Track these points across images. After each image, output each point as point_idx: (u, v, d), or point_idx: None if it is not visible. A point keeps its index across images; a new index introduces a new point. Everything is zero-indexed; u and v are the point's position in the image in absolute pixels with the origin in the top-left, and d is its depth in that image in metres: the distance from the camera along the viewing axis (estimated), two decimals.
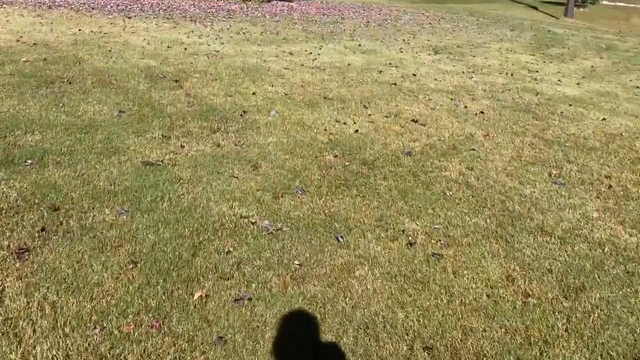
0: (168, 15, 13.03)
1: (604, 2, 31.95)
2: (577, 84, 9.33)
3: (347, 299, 2.92)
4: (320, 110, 6.29)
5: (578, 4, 27.58)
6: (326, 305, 2.85)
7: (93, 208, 3.59)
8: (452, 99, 7.40)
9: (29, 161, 4.19)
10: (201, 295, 2.81)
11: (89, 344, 2.43)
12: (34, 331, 2.47)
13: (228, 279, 2.99)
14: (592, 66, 11.39)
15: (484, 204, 4.22)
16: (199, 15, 13.65)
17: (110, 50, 8.42)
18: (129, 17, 12.17)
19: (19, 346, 2.38)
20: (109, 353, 2.40)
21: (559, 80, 9.43)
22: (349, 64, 9.15)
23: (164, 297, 2.78)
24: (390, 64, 9.56)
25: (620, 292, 3.19)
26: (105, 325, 2.55)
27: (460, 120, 6.38)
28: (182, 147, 4.80)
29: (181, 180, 4.13)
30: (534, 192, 4.53)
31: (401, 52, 10.92)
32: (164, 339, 2.51)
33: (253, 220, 3.63)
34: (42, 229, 3.28)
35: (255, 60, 8.74)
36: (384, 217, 3.87)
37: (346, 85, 7.64)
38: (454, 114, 6.66)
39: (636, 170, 5.20)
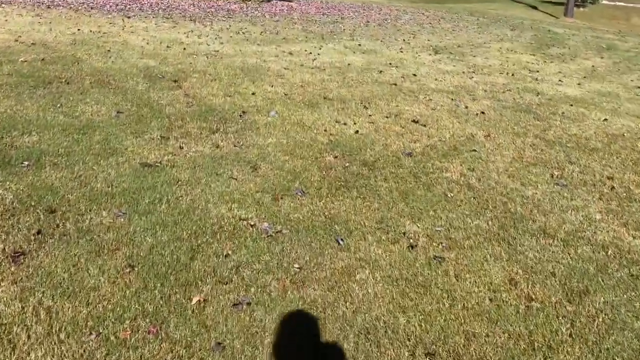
0: (167, 15, 12.98)
1: (604, 2, 31.90)
2: (578, 84, 9.29)
3: (347, 303, 2.87)
4: (320, 110, 6.25)
5: (578, 4, 27.53)
6: (326, 310, 2.81)
7: (90, 210, 3.54)
8: (452, 99, 7.36)
9: (26, 162, 4.14)
10: (199, 300, 2.76)
11: (84, 351, 2.39)
12: (29, 337, 2.43)
13: (227, 283, 2.95)
14: (593, 66, 11.35)
15: (486, 205, 4.17)
16: (199, 14, 13.60)
17: (109, 50, 8.37)
18: (128, 17, 12.12)
19: (12, 353, 2.34)
20: None
21: (559, 81, 9.39)
22: (349, 64, 9.10)
23: (161, 302, 2.74)
24: (390, 64, 9.51)
25: (625, 296, 3.14)
26: (101, 331, 2.50)
27: (461, 121, 6.34)
28: (181, 148, 4.76)
29: (179, 182, 4.08)
30: (536, 193, 4.48)
31: (401, 52, 10.87)
32: (161, 345, 2.46)
33: (252, 223, 3.59)
34: (38, 232, 3.23)
35: (255, 60, 8.69)
36: (385, 219, 3.83)
37: (346, 85, 7.59)
38: (454, 114, 6.61)
39: (638, 172, 5.16)
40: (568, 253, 3.57)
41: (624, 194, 4.62)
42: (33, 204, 3.56)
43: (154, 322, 2.59)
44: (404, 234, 3.64)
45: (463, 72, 9.34)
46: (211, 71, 7.60)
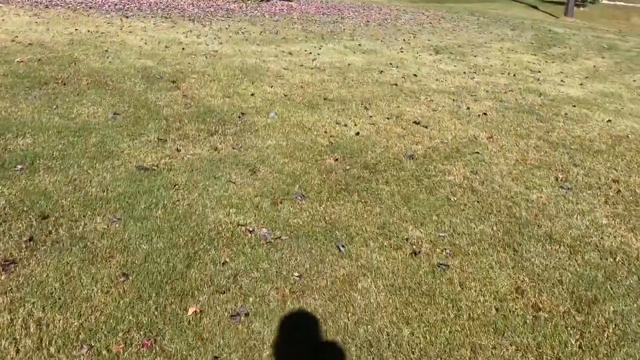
0: (166, 15, 12.88)
1: (604, 2, 31.80)
2: (581, 84, 9.19)
3: (349, 314, 2.78)
4: (320, 111, 6.15)
5: (578, 3, 27.42)
6: (327, 321, 2.71)
7: (84, 216, 3.45)
8: (454, 99, 7.26)
9: (19, 166, 4.04)
10: (195, 311, 2.67)
11: None
12: (17, 351, 2.33)
13: (224, 292, 2.85)
14: (595, 66, 11.25)
15: (490, 210, 4.08)
16: (198, 14, 13.50)
17: (106, 50, 8.27)
18: (127, 17, 12.02)
19: None
20: None
21: (561, 81, 9.29)
22: (349, 64, 9.00)
23: (156, 313, 2.64)
24: (390, 64, 9.41)
25: (635, 305, 3.05)
26: (93, 344, 2.41)
27: (463, 122, 6.24)
28: (178, 150, 4.66)
29: (176, 186, 3.99)
30: (541, 197, 4.38)
31: (402, 52, 10.77)
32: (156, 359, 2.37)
33: (251, 229, 3.49)
34: (30, 239, 3.14)
35: (254, 60, 8.59)
36: (387, 224, 3.73)
37: (346, 85, 7.50)
38: (456, 115, 6.52)
39: None
40: (575, 260, 3.47)
41: (631, 198, 4.52)
42: (25, 209, 3.47)
43: (148, 334, 2.50)
44: (407, 239, 3.54)
45: (464, 73, 9.24)
46: (210, 72, 7.50)
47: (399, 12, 18.69)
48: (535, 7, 27.89)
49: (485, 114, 6.67)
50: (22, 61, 7.07)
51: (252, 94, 6.56)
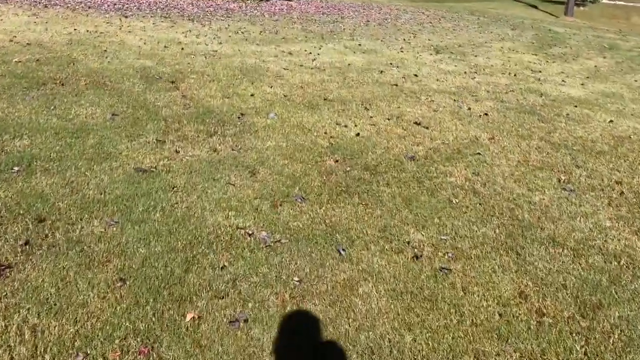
0: (165, 14, 12.83)
1: (604, 1, 31.75)
2: (582, 84, 9.14)
3: (350, 319, 2.73)
4: (321, 112, 6.10)
5: (578, 3, 27.36)
6: (328, 327, 2.66)
7: (81, 219, 3.40)
8: (455, 100, 7.21)
9: (16, 168, 4.00)
10: (194, 317, 2.62)
11: None
12: (12, 359, 2.28)
13: (223, 297, 2.80)
14: (596, 66, 11.20)
15: (492, 212, 4.03)
16: (197, 14, 13.45)
17: (105, 50, 8.22)
18: (126, 16, 11.97)
19: None
20: None
21: (562, 81, 9.24)
22: (349, 64, 8.95)
23: (153, 319, 2.59)
24: (391, 64, 9.36)
25: None
26: (89, 351, 2.36)
27: (464, 123, 6.19)
28: (177, 152, 4.61)
29: (175, 188, 3.94)
30: (544, 199, 4.34)
31: (402, 51, 10.72)
32: None
33: (250, 232, 3.44)
34: (26, 243, 3.09)
35: (254, 60, 8.54)
36: (388, 227, 3.68)
37: (346, 86, 7.45)
38: (457, 116, 6.47)
39: None
40: (579, 263, 3.42)
41: (634, 200, 4.47)
42: (22, 212, 3.42)
43: (146, 341, 2.45)
44: (408, 243, 3.49)
45: (465, 73, 9.19)
46: (209, 72, 7.45)
47: (399, 12, 18.64)
48: (535, 7, 27.84)
49: (486, 114, 6.63)
50: (20, 61, 7.02)
51: (251, 95, 6.51)
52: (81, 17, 11.28)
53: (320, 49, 10.15)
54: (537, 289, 3.12)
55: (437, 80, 8.39)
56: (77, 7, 12.79)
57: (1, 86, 5.88)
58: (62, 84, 6.20)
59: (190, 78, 7.02)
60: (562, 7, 25.72)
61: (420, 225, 3.74)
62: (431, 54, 10.73)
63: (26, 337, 2.40)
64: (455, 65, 9.76)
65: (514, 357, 2.57)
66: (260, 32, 11.52)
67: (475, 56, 10.99)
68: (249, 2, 16.84)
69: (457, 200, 4.16)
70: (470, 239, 3.61)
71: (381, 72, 8.58)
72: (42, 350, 2.34)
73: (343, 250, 3.33)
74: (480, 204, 4.15)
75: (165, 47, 8.93)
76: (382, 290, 2.98)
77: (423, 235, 3.61)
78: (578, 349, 2.65)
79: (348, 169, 4.59)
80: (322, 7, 17.76)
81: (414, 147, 5.25)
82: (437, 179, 4.53)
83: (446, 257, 3.36)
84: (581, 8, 28.20)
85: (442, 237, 3.59)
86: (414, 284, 3.06)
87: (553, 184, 4.65)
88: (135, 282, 2.84)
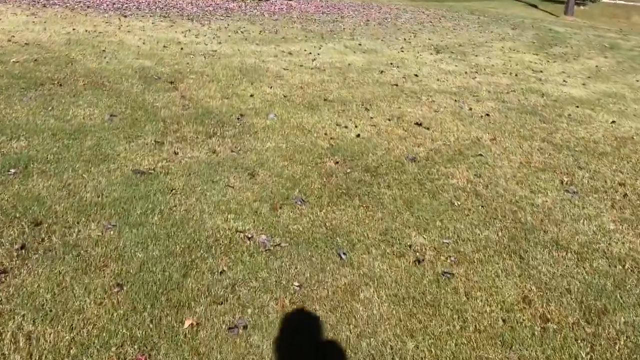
0: (165, 14, 12.77)
1: (604, 0, 31.69)
2: (583, 84, 9.09)
3: (351, 326, 2.68)
4: (321, 113, 6.05)
5: (578, 2, 27.30)
6: (329, 334, 2.61)
7: (78, 222, 3.35)
8: (456, 100, 7.16)
9: (12, 170, 3.95)
10: (192, 323, 2.57)
11: None
12: None
13: (221, 303, 2.75)
14: (597, 66, 11.15)
15: (495, 215, 3.98)
16: (197, 13, 13.39)
17: (104, 50, 8.17)
18: (125, 16, 11.91)
19: None
20: None
21: (564, 81, 9.19)
22: (349, 64, 8.90)
23: (151, 326, 2.54)
24: (391, 63, 9.31)
25: None
26: (84, 359, 2.30)
27: (465, 123, 6.14)
28: (176, 153, 4.56)
29: (173, 191, 3.89)
30: (546, 201, 4.29)
31: (402, 51, 10.67)
32: None
33: (249, 235, 3.39)
34: (22, 247, 3.04)
35: (254, 60, 8.49)
36: (389, 230, 3.63)
37: (347, 86, 7.39)
38: (458, 116, 6.42)
39: None
40: (583, 267, 3.37)
41: (638, 202, 4.43)
42: (18, 215, 3.37)
43: (143, 349, 2.40)
44: (410, 246, 3.45)
45: (465, 72, 9.14)
46: (209, 72, 7.40)
47: (399, 11, 18.58)
48: (535, 6, 27.78)
49: (487, 114, 6.58)
50: (18, 61, 6.97)
51: (251, 95, 6.46)
52: (80, 17, 11.23)
53: (320, 48, 10.10)
54: (541, 293, 3.07)
55: (438, 80, 8.34)
56: (76, 6, 12.73)
57: None
58: (60, 85, 6.15)
59: (189, 78, 6.97)
60: (562, 7, 25.66)
61: (422, 228, 3.69)
62: (432, 54, 10.67)
63: (21, 344, 2.36)
64: (456, 65, 9.71)
65: None
66: (260, 31, 11.47)
67: (476, 56, 10.93)
68: (248, 1, 16.78)
69: (459, 203, 4.11)
70: (473, 242, 3.56)
71: (381, 72, 8.53)
72: (37, 358, 2.29)
73: (344, 254, 3.28)
74: (482, 206, 4.10)
75: (164, 46, 8.88)
76: (383, 295, 2.93)
77: (425, 238, 3.56)
78: (583, 355, 2.61)
79: (348, 170, 4.54)
80: (321, 6, 17.70)
81: (415, 148, 5.20)
82: (438, 181, 4.48)
83: (448, 261, 3.31)
84: (581, 7, 28.16)
85: (444, 241, 3.54)
86: (416, 289, 3.01)
87: (556, 186, 4.60)
88: (133, 287, 2.79)
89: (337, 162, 4.68)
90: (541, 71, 9.90)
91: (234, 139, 4.99)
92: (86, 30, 9.69)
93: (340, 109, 6.24)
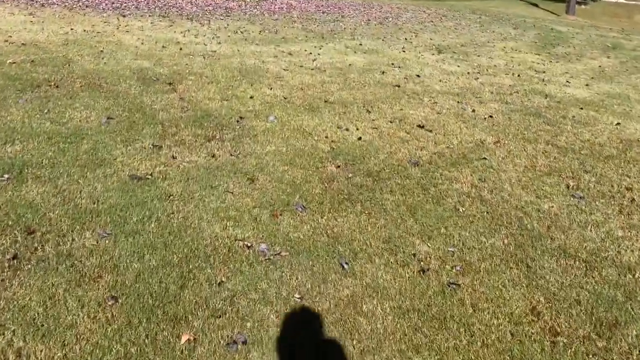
0: (164, 13, 12.67)
1: None
2: (586, 85, 8.98)
3: (354, 341, 2.58)
4: (321, 115, 5.95)
5: (579, 1, 27.21)
6: (332, 350, 2.51)
7: (72, 231, 3.25)
8: (458, 101, 7.06)
9: (6, 175, 3.85)
10: (189, 339, 2.47)
11: None
12: None
13: (220, 316, 2.66)
14: (600, 66, 11.04)
15: (500, 221, 3.88)
16: (196, 13, 13.29)
17: (102, 51, 8.07)
18: (124, 16, 11.81)
19: None
20: None
21: (567, 82, 9.08)
22: (350, 65, 8.80)
23: (146, 341, 2.44)
24: (392, 64, 9.21)
25: None
26: None
27: (468, 126, 6.04)
28: (174, 157, 4.46)
29: (171, 197, 3.79)
30: (553, 207, 4.19)
31: (404, 51, 10.56)
32: None
33: (249, 244, 3.30)
34: (14, 257, 2.94)
35: (253, 61, 8.39)
36: (393, 238, 3.54)
37: (347, 87, 7.29)
38: (461, 118, 6.32)
39: None
40: (592, 276, 3.28)
41: None
42: (11, 223, 3.27)
43: None
44: (414, 255, 3.35)
45: (468, 73, 9.04)
46: (208, 73, 7.30)
47: (400, 10, 18.48)
48: (536, 5, 27.68)
49: (491, 116, 6.48)
50: (14, 62, 6.87)
51: (250, 97, 6.36)
52: (78, 17, 11.13)
53: (320, 48, 10.00)
54: (550, 305, 2.97)
55: (440, 81, 8.24)
56: (74, 6, 12.63)
57: None
58: (57, 86, 6.05)
59: (188, 79, 6.87)
60: (563, 6, 25.57)
61: (426, 235, 3.60)
62: (433, 54, 10.57)
63: None
64: (458, 66, 9.61)
65: None
66: (260, 31, 11.37)
67: (478, 56, 10.83)
68: (248, 0, 16.67)
69: (463, 209, 4.02)
70: (479, 250, 3.46)
71: (383, 72, 8.43)
72: None
73: (346, 263, 3.18)
74: (487, 212, 4.00)
75: (163, 47, 8.78)
76: (387, 307, 2.83)
77: (429, 246, 3.46)
78: None
79: (350, 175, 4.44)
80: (322, 5, 17.60)
81: (417, 151, 5.10)
82: (442, 186, 4.38)
83: (454, 270, 3.22)
84: (582, 6, 28.04)
85: (449, 249, 3.45)
86: (420, 300, 2.91)
87: (562, 191, 4.50)
88: (128, 300, 2.69)
89: (339, 166, 4.59)
90: (544, 72, 9.80)
91: (233, 143, 4.89)
92: (84, 30, 9.59)
93: (341, 111, 6.15)
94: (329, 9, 16.90)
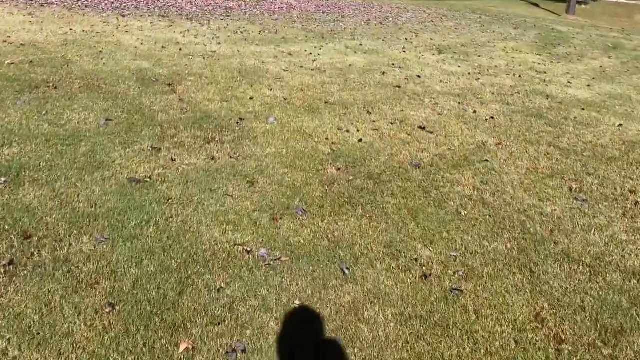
0: (164, 13, 12.62)
1: None
2: (588, 85, 8.94)
3: (355, 349, 2.54)
4: (322, 116, 5.91)
5: (579, 1, 27.15)
6: (332, 358, 2.47)
7: (69, 235, 3.20)
8: (459, 102, 7.01)
9: (3, 179, 3.81)
10: (187, 347, 2.43)
11: None
12: None
13: (219, 323, 2.61)
14: (601, 66, 11.00)
15: (503, 225, 3.84)
16: (196, 13, 13.24)
17: (101, 51, 8.02)
18: (123, 16, 11.76)
19: None
20: None
21: (568, 82, 9.04)
22: (350, 65, 8.75)
23: (144, 350, 2.40)
24: (393, 64, 9.16)
25: None
26: None
27: (470, 127, 6.00)
28: (173, 160, 4.42)
29: (170, 201, 3.75)
30: (555, 210, 4.15)
31: (404, 51, 10.52)
32: None
33: (248, 249, 3.25)
34: (10, 263, 2.90)
35: (253, 61, 8.34)
36: (394, 242, 3.49)
37: (348, 88, 7.25)
38: (462, 119, 6.27)
39: None
40: (597, 282, 3.23)
41: None
42: (7, 228, 3.23)
43: None
44: (416, 260, 3.30)
45: (469, 74, 8.99)
46: (207, 74, 7.25)
47: (400, 10, 18.43)
48: (537, 5, 27.63)
49: (492, 118, 6.43)
50: (12, 63, 6.83)
51: (250, 98, 6.32)
52: (77, 17, 11.08)
53: (320, 49, 9.95)
54: (554, 311, 2.93)
55: (441, 81, 8.19)
56: (74, 6, 12.58)
57: None
58: (55, 87, 6.00)
59: (187, 80, 6.82)
60: (564, 5, 25.52)
61: (428, 240, 3.55)
62: (434, 54, 10.52)
63: None
64: (459, 66, 9.57)
65: None
66: (260, 31, 11.32)
67: (479, 56, 10.79)
68: (248, 0, 16.62)
69: (466, 212, 3.97)
70: (481, 255, 3.42)
71: (383, 73, 8.38)
72: None
73: (347, 269, 3.14)
74: (490, 215, 3.96)
75: (162, 47, 8.73)
76: (389, 314, 2.79)
77: (431, 251, 3.42)
78: None
79: (351, 178, 4.40)
80: (322, 5, 17.55)
81: (419, 153, 5.06)
82: (444, 189, 4.34)
83: (456, 276, 3.17)
84: (583, 6, 27.99)
85: (452, 254, 3.40)
86: (423, 307, 2.87)
87: (564, 194, 4.46)
88: (126, 307, 2.65)
89: (339, 169, 4.54)
90: (545, 72, 9.76)
91: (233, 145, 4.85)
92: (83, 31, 9.54)
93: (341, 112, 6.10)
94: (329, 9, 16.85)
